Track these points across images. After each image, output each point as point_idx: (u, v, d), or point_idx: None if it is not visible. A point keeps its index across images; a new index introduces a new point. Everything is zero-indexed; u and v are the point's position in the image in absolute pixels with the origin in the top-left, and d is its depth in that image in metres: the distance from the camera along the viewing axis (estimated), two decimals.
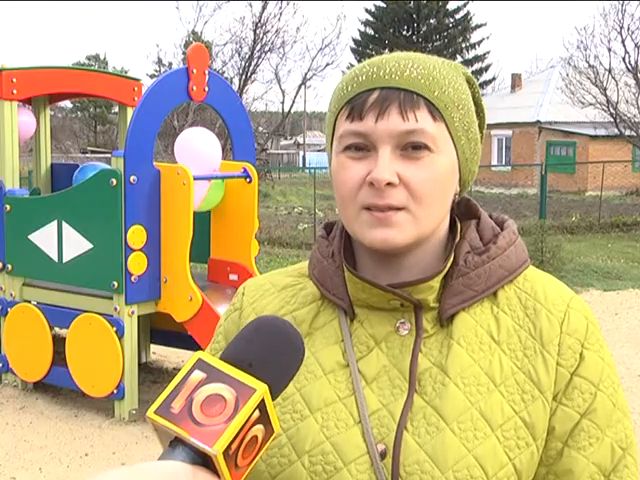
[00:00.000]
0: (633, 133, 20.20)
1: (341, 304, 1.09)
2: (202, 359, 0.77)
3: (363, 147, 1.03)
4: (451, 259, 1.07)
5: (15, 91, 6.12)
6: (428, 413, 1.01)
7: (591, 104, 21.08)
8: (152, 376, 6.89)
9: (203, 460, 0.73)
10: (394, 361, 1.05)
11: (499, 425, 1.01)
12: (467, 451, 0.99)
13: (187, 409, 0.74)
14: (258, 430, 0.76)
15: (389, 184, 1.00)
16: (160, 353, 7.54)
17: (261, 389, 0.75)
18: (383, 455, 1.00)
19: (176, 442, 0.73)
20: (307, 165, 38.36)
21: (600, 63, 21.00)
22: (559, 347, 1.05)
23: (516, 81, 35.77)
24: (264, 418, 0.76)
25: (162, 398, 0.75)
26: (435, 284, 1.06)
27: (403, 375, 1.04)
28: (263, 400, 0.76)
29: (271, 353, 0.80)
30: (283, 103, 26.92)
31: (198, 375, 0.76)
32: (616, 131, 20.72)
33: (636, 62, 19.85)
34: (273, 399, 0.78)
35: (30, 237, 6.03)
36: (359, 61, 1.11)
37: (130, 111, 6.80)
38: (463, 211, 1.15)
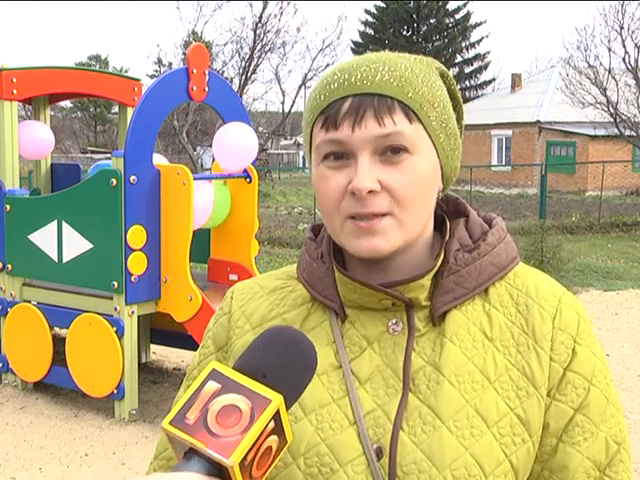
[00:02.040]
0: (633, 133, 20.17)
1: (332, 305, 1.08)
2: (216, 369, 0.77)
3: (341, 155, 1.01)
4: (441, 257, 1.07)
5: (15, 91, 6.12)
6: (423, 412, 1.01)
7: (591, 104, 21.04)
8: (152, 376, 6.89)
9: (218, 471, 0.72)
10: (387, 361, 1.05)
11: (495, 422, 1.00)
12: (464, 449, 0.98)
13: (202, 420, 0.73)
14: (272, 441, 0.75)
15: (371, 192, 0.99)
16: (160, 353, 7.54)
17: (277, 400, 0.75)
18: (379, 455, 1.00)
19: (191, 453, 0.73)
20: (307, 165, 38.26)
21: (600, 63, 20.98)
22: (552, 342, 1.04)
23: (516, 81, 35.77)
24: (279, 428, 0.76)
25: (177, 408, 0.75)
26: (426, 282, 1.05)
27: (397, 375, 1.03)
28: (278, 411, 0.75)
29: (285, 363, 0.79)
30: (283, 103, 26.88)
31: (213, 385, 0.76)
32: (616, 131, 20.69)
33: (636, 62, 19.80)
34: (287, 409, 0.77)
35: (30, 237, 6.03)
36: None
37: (130, 111, 6.80)
38: (452, 210, 1.14)
